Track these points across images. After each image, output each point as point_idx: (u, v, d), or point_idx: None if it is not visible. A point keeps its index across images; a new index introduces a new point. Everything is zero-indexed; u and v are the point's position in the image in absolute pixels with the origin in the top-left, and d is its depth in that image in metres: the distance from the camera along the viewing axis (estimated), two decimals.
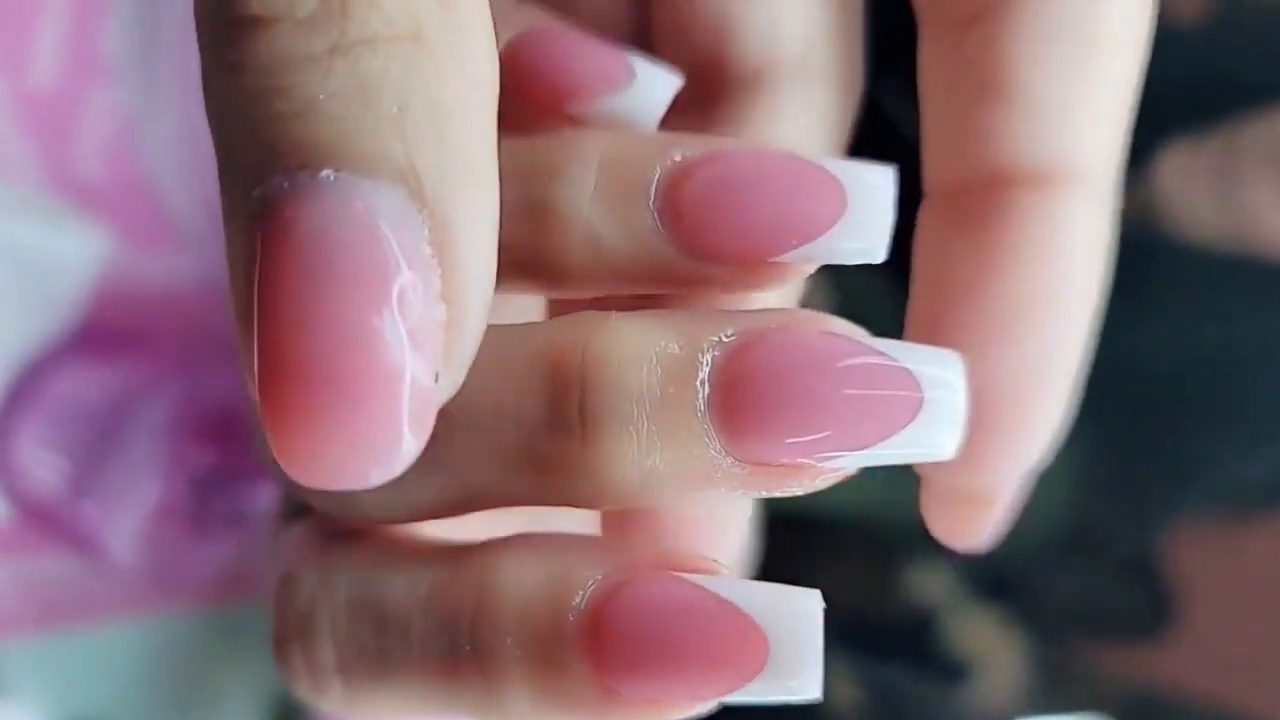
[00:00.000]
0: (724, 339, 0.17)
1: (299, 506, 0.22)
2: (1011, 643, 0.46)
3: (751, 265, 0.18)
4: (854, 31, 0.24)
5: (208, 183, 0.42)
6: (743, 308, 0.18)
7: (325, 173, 0.14)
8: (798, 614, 0.17)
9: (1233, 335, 0.41)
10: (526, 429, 0.18)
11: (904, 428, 0.17)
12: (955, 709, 0.47)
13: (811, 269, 0.18)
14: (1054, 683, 0.46)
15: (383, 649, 0.19)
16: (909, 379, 0.17)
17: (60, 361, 0.41)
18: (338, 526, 0.21)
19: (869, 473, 0.18)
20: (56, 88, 0.40)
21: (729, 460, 0.17)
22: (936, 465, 0.22)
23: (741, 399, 0.17)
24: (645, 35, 0.25)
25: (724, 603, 0.17)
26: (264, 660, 0.44)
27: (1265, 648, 0.43)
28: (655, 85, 0.21)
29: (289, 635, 0.20)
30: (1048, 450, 0.23)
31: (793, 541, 0.45)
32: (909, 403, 0.17)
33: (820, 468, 0.17)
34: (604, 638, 0.17)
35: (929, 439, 0.17)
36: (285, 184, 0.15)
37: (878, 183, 0.18)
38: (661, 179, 0.18)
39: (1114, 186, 0.22)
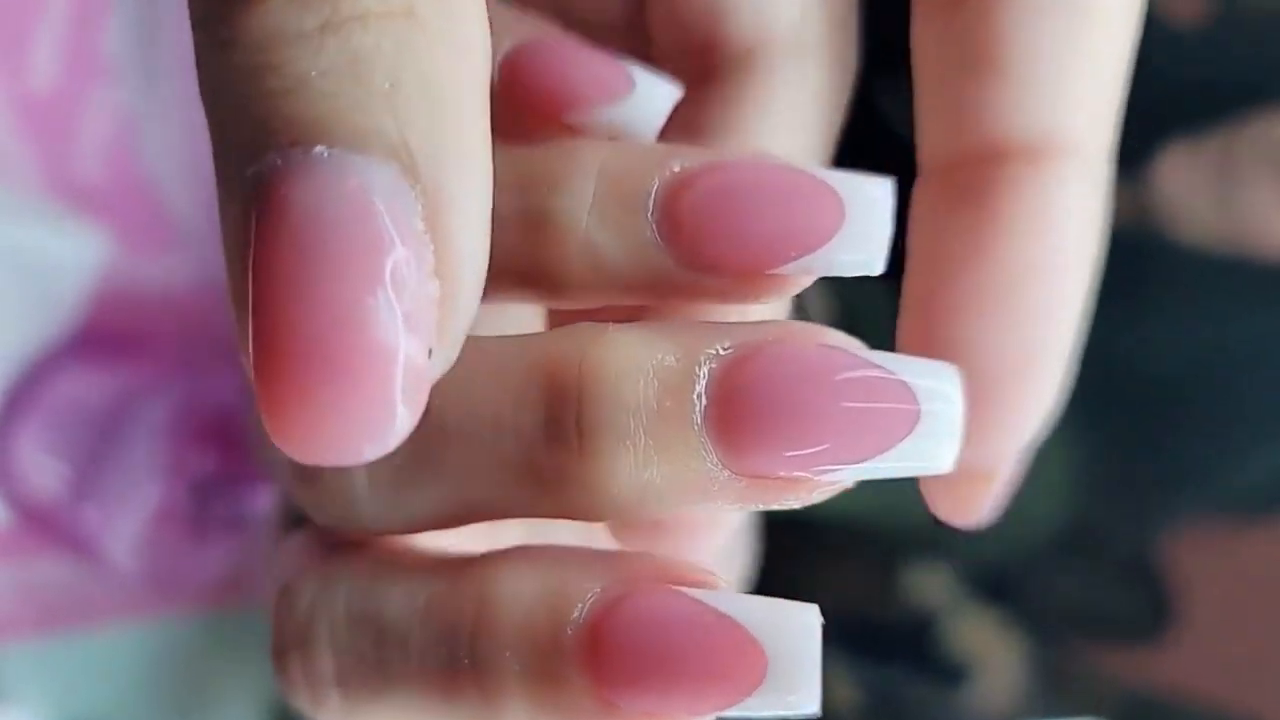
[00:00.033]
0: (721, 351, 0.17)
1: (299, 515, 0.22)
2: (1011, 644, 0.46)
3: (750, 277, 0.18)
4: (847, 10, 0.24)
5: (207, 184, 0.42)
6: (739, 317, 0.18)
7: (319, 149, 0.15)
8: (796, 628, 0.17)
9: (1231, 337, 0.41)
10: (523, 441, 0.18)
11: (901, 441, 0.17)
12: (955, 711, 0.47)
13: (809, 281, 0.18)
14: (1053, 684, 0.46)
15: (381, 661, 0.19)
16: (906, 392, 0.17)
17: (60, 364, 0.41)
18: (337, 537, 0.21)
19: None
20: (56, 89, 0.40)
21: (726, 473, 0.17)
22: None
23: (738, 412, 0.17)
24: (639, 13, 0.25)
25: (722, 617, 0.17)
26: (263, 664, 0.44)
27: (1265, 650, 0.43)
28: (655, 96, 0.21)
29: (288, 646, 0.20)
30: (1045, 424, 0.23)
31: (792, 543, 0.45)
32: (906, 416, 0.17)
33: (817, 481, 0.17)
34: (603, 651, 0.17)
35: (926, 452, 0.17)
36: (279, 161, 0.15)
37: (876, 195, 0.18)
38: (660, 190, 0.18)
39: (1107, 159, 0.22)
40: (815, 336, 0.18)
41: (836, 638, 0.44)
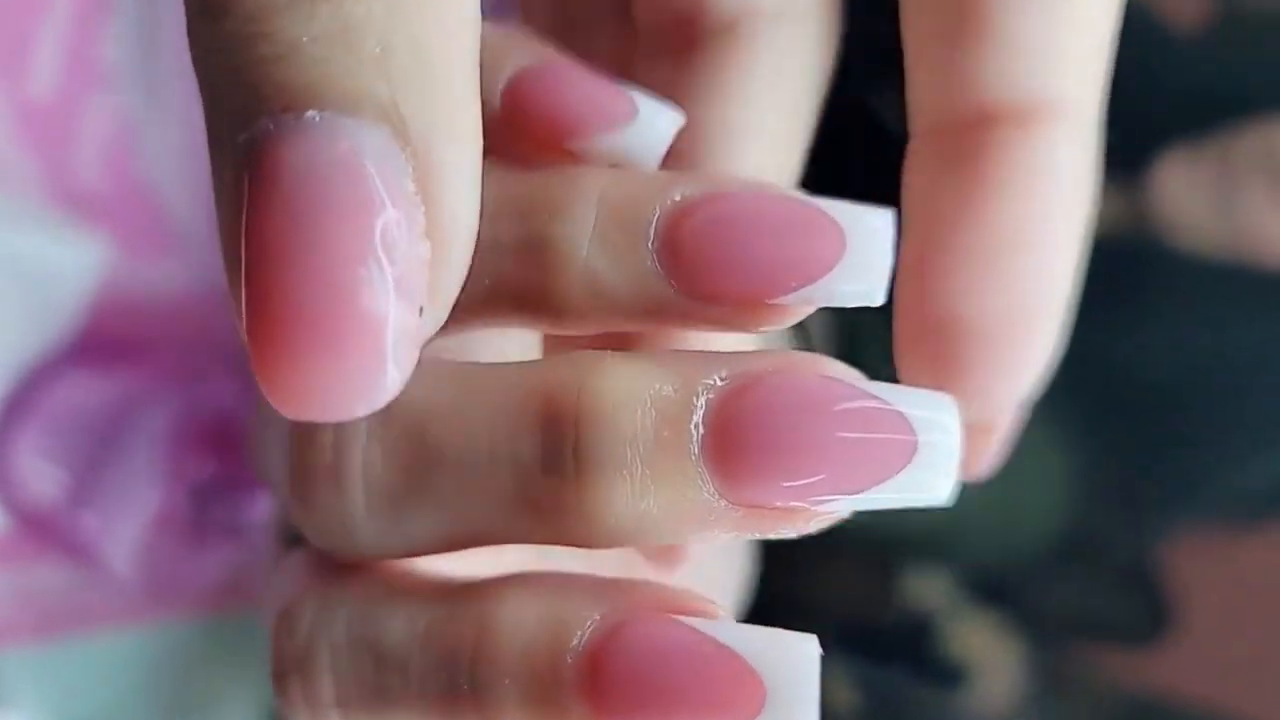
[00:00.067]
0: (719, 381, 0.17)
1: (297, 533, 0.22)
2: (1009, 647, 0.46)
3: (750, 306, 0.18)
4: None
5: (208, 190, 0.41)
6: (736, 343, 0.18)
7: (310, 114, 0.15)
8: (794, 658, 0.17)
9: (1229, 344, 0.41)
10: (520, 470, 0.18)
11: (899, 472, 0.17)
12: (953, 713, 0.47)
13: (810, 310, 0.19)
14: (1052, 688, 0.46)
15: (381, 685, 0.19)
16: (904, 423, 0.17)
17: (59, 371, 0.41)
18: (336, 559, 0.21)
19: None
20: (56, 95, 0.40)
21: (723, 503, 0.17)
22: None
23: (736, 442, 0.17)
24: None
25: (721, 647, 0.17)
26: (262, 669, 0.44)
27: (1262, 654, 0.43)
28: (657, 123, 0.21)
29: (288, 668, 0.20)
30: (1041, 378, 0.23)
31: (792, 546, 0.45)
32: (904, 446, 0.17)
33: (814, 511, 0.17)
34: (602, 680, 0.17)
35: (924, 483, 0.17)
36: (271, 126, 0.15)
37: (877, 226, 0.18)
38: (661, 219, 0.18)
39: (1096, 120, 0.22)
40: (813, 367, 0.18)
41: (836, 640, 0.44)
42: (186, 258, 0.43)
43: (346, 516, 0.19)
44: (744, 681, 0.17)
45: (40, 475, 0.41)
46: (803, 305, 0.18)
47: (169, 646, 0.44)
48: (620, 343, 0.22)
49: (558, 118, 0.21)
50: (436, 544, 0.19)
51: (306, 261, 0.15)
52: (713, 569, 0.31)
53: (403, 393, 0.18)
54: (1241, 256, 0.40)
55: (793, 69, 0.24)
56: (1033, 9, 0.21)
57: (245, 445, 0.42)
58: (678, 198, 0.18)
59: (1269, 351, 0.41)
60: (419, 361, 0.19)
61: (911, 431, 0.17)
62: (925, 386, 0.22)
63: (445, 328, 0.19)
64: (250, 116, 0.15)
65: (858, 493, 0.17)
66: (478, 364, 0.19)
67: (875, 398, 0.17)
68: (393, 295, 0.15)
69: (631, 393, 0.17)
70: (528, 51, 0.22)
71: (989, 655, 0.46)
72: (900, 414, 0.17)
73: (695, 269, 0.18)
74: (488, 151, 0.17)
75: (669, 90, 0.24)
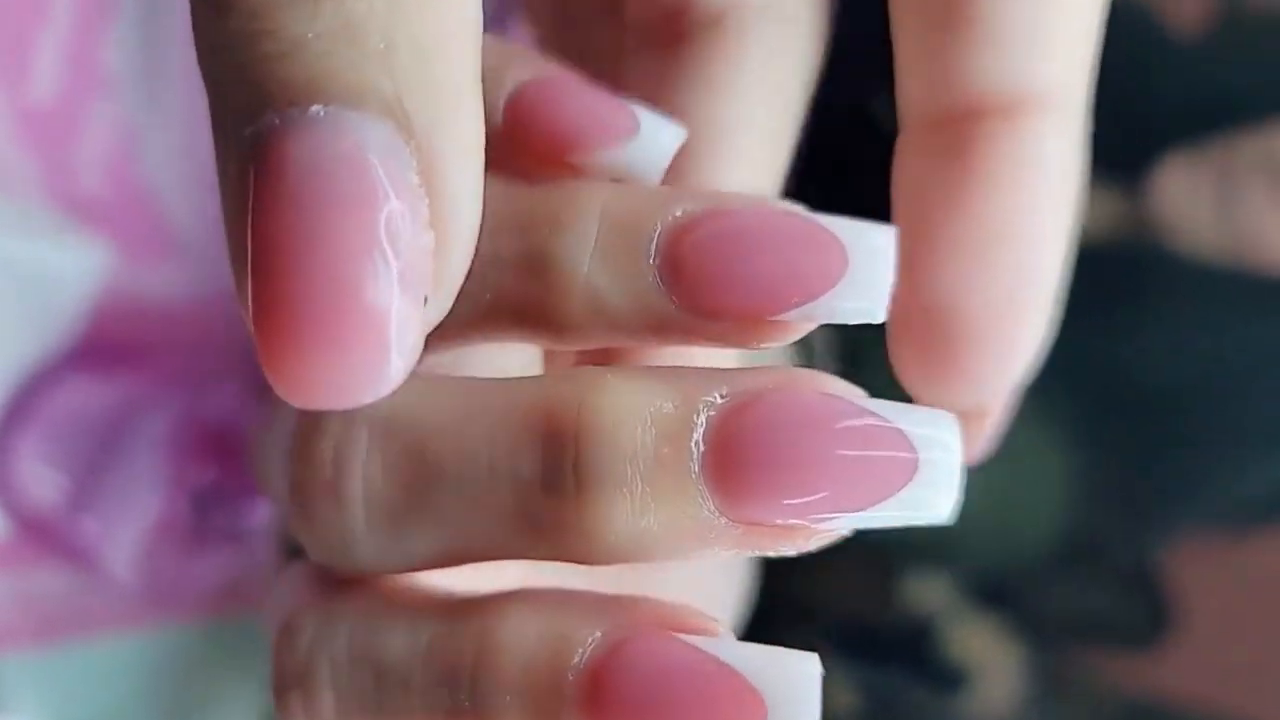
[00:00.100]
0: (719, 399, 0.17)
1: (297, 544, 0.22)
2: (1010, 650, 0.46)
3: (751, 322, 0.18)
4: None
5: (209, 195, 0.42)
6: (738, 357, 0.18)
7: (315, 108, 0.15)
8: (795, 677, 0.17)
9: (1230, 348, 0.41)
10: (520, 487, 0.18)
11: (900, 490, 0.17)
12: (953, 717, 0.47)
13: (811, 327, 0.18)
14: (1052, 691, 0.46)
15: (383, 701, 0.19)
16: (904, 441, 0.17)
17: (60, 376, 0.41)
18: (337, 573, 0.21)
19: None
20: (57, 100, 0.40)
21: (723, 521, 0.17)
22: (927, 385, 0.23)
23: (736, 460, 0.17)
24: None
25: (722, 665, 0.17)
26: (262, 673, 0.45)
27: (1262, 657, 0.43)
28: (660, 137, 0.21)
29: (288, 683, 0.20)
30: (1032, 364, 0.23)
31: None
32: (905, 464, 0.17)
33: (815, 529, 0.17)
34: (602, 698, 0.17)
35: (925, 501, 0.17)
36: (276, 121, 0.15)
37: (879, 242, 0.18)
38: (663, 235, 0.18)
39: (1083, 112, 0.22)
40: (813, 384, 0.18)
41: (836, 643, 0.44)
42: (187, 263, 0.43)
43: (346, 532, 0.19)
44: (745, 700, 0.17)
45: (41, 480, 0.41)
46: (804, 322, 0.18)
47: (169, 651, 0.44)
48: (611, 355, 0.22)
49: (559, 132, 0.21)
50: (436, 560, 0.19)
51: (312, 255, 0.15)
52: (713, 583, 0.31)
53: (403, 408, 0.18)
54: (1242, 260, 0.40)
55: (780, 63, 0.24)
56: (1019, 2, 0.21)
57: (246, 452, 0.42)
58: (679, 213, 0.18)
59: (1269, 356, 0.41)
60: (420, 376, 0.19)
61: (912, 449, 0.17)
62: (917, 376, 0.23)
63: (446, 341, 0.19)
64: (255, 112, 0.15)
65: (858, 511, 0.17)
66: (478, 379, 0.19)
67: (876, 415, 0.17)
68: (397, 287, 0.15)
69: (632, 410, 0.17)
70: (530, 65, 0.22)
71: (989, 658, 0.46)
72: (901, 431, 0.17)
73: (696, 285, 0.18)
74: (488, 165, 0.17)
75: (657, 85, 0.24)
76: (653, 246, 0.18)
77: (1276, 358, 0.41)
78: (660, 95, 0.24)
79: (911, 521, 0.17)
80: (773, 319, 0.18)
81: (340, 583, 0.20)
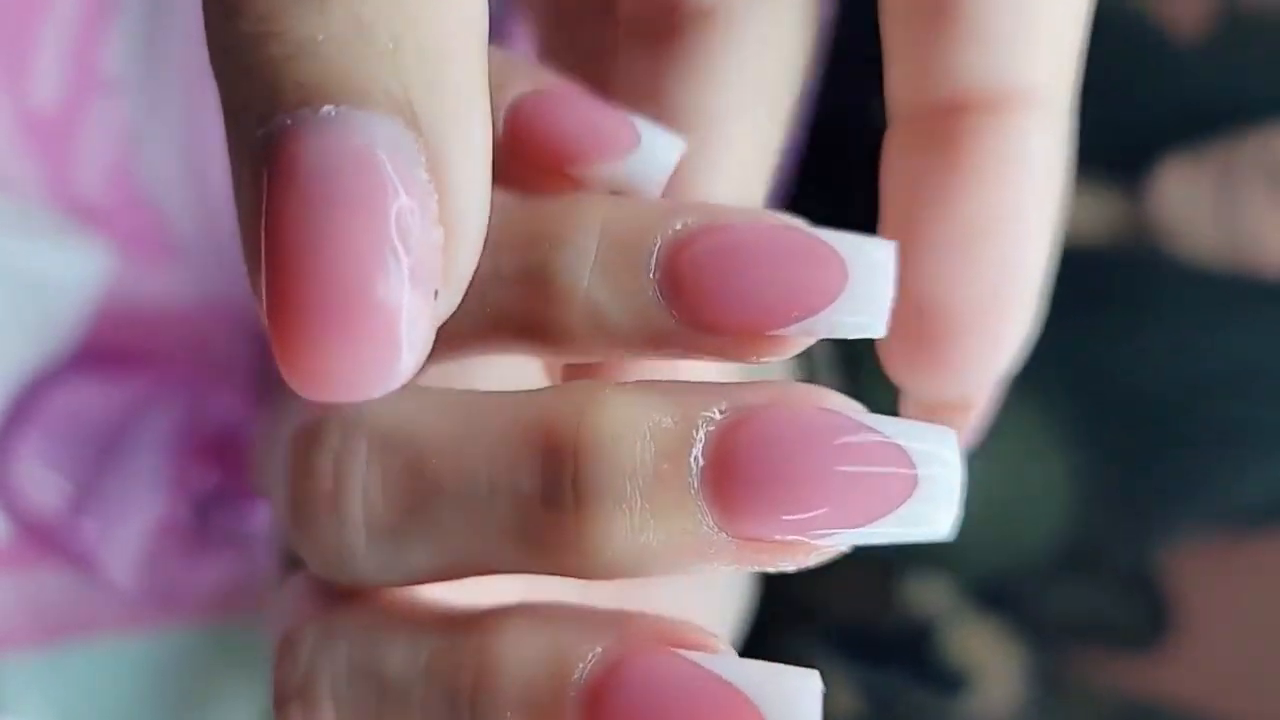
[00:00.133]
0: (718, 414, 0.17)
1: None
2: (1010, 653, 0.46)
3: (751, 337, 0.18)
4: None
5: (209, 199, 0.42)
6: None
7: (326, 108, 0.15)
8: (795, 694, 0.17)
9: (1230, 351, 0.41)
10: (519, 503, 0.18)
11: (899, 506, 0.17)
12: (954, 718, 0.47)
13: (811, 342, 0.18)
14: (1052, 693, 0.46)
15: (382, 714, 0.19)
16: (903, 456, 0.17)
17: (61, 379, 0.41)
18: (338, 586, 0.21)
19: None
20: (58, 104, 0.40)
21: (723, 536, 0.17)
22: (914, 375, 0.23)
23: (735, 475, 0.17)
24: None
25: (723, 682, 0.17)
26: (263, 676, 0.45)
27: (1262, 660, 0.43)
28: (660, 150, 0.21)
29: (289, 696, 0.20)
30: (1018, 356, 0.23)
31: None
32: (904, 481, 0.17)
33: (814, 545, 0.17)
34: (603, 714, 0.17)
35: (924, 517, 0.17)
36: (288, 121, 0.15)
37: (879, 257, 0.18)
38: (662, 249, 0.18)
39: (1068, 109, 0.23)
40: (812, 399, 0.18)
41: (837, 644, 0.44)
42: (188, 266, 0.43)
43: (345, 546, 0.19)
44: (744, 717, 0.17)
45: (42, 483, 0.41)
46: (804, 337, 0.18)
47: (170, 653, 0.44)
48: (608, 364, 0.23)
49: (560, 144, 0.21)
50: (436, 573, 0.19)
51: (324, 253, 0.15)
52: (714, 591, 0.31)
53: (403, 421, 0.18)
54: (1242, 264, 0.40)
55: (771, 55, 0.24)
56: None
57: (247, 455, 0.42)
58: (679, 227, 0.18)
59: (1268, 358, 0.41)
60: (420, 389, 0.19)
61: (911, 465, 0.17)
62: (903, 367, 0.23)
63: (447, 352, 0.19)
64: (267, 112, 0.15)
65: (858, 527, 0.17)
66: (478, 393, 0.19)
67: (875, 431, 0.17)
68: (407, 283, 0.16)
69: (630, 425, 0.17)
70: (530, 77, 0.22)
71: (990, 660, 0.46)
72: (900, 448, 0.17)
73: (696, 300, 0.18)
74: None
75: (649, 78, 0.24)
76: (653, 261, 0.18)
77: (1276, 360, 0.41)
78: (651, 87, 0.24)
79: (911, 538, 0.17)
80: (772, 334, 0.18)
81: (340, 595, 0.20)
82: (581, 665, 0.18)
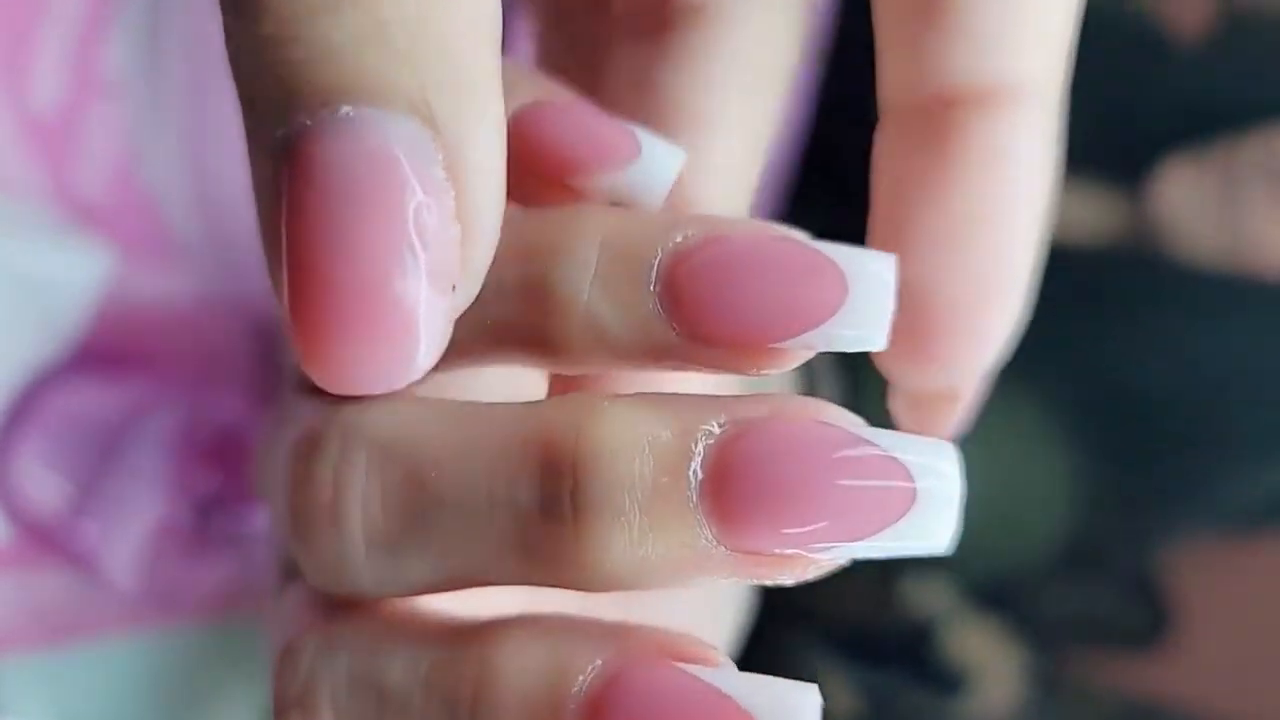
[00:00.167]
0: (717, 427, 0.17)
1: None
2: (1009, 653, 0.46)
3: (751, 350, 0.18)
4: None
5: (210, 200, 0.42)
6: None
7: (344, 109, 0.16)
8: (794, 708, 0.17)
9: (1230, 353, 0.41)
10: (518, 516, 0.18)
11: (898, 520, 0.17)
12: (953, 719, 0.47)
13: (810, 355, 0.18)
14: (1051, 694, 0.46)
15: None
16: (902, 470, 0.17)
17: (62, 380, 0.41)
18: (337, 596, 0.21)
19: None
20: (58, 105, 0.40)
21: (721, 549, 0.17)
22: (902, 367, 0.23)
23: (734, 489, 0.17)
24: None
25: (722, 696, 0.17)
26: (263, 676, 0.45)
27: (1261, 660, 0.43)
28: (661, 161, 0.21)
29: (289, 706, 0.20)
30: (1006, 349, 0.23)
31: None
32: (903, 494, 0.17)
33: (813, 558, 0.17)
34: None
35: (924, 530, 0.17)
36: (307, 122, 0.16)
37: (879, 270, 0.18)
38: (663, 262, 0.18)
39: (1058, 104, 0.23)
40: (812, 412, 0.18)
41: (837, 645, 0.44)
42: (190, 268, 0.43)
43: (344, 557, 0.19)
44: None
45: (42, 484, 0.41)
46: (804, 350, 0.18)
47: (171, 654, 0.44)
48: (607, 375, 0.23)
49: (561, 155, 0.21)
50: (435, 585, 0.19)
51: (344, 251, 0.16)
52: (714, 600, 0.31)
53: (403, 432, 0.19)
54: (1243, 266, 0.40)
55: (763, 48, 0.24)
56: None
57: (249, 457, 0.42)
58: (680, 240, 0.18)
59: (1269, 360, 0.41)
60: (420, 400, 0.19)
61: (910, 478, 0.17)
62: (891, 358, 0.23)
63: (447, 362, 0.19)
64: (286, 114, 0.16)
65: (857, 540, 0.17)
66: (477, 404, 0.19)
67: (874, 444, 0.17)
68: (425, 280, 0.16)
69: (629, 438, 0.17)
70: (532, 87, 0.22)
71: (990, 661, 0.46)
72: (899, 461, 0.17)
73: (696, 312, 0.18)
74: None
75: (641, 72, 0.24)
76: (653, 274, 0.18)
77: (1276, 361, 0.41)
78: (644, 82, 0.24)
79: (910, 552, 0.17)
80: (773, 347, 0.18)
81: (340, 605, 0.20)
82: (581, 678, 0.18)
